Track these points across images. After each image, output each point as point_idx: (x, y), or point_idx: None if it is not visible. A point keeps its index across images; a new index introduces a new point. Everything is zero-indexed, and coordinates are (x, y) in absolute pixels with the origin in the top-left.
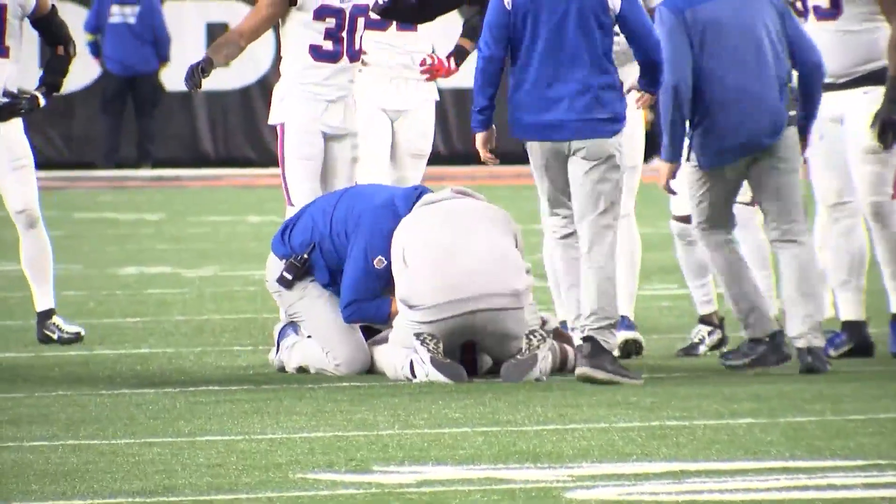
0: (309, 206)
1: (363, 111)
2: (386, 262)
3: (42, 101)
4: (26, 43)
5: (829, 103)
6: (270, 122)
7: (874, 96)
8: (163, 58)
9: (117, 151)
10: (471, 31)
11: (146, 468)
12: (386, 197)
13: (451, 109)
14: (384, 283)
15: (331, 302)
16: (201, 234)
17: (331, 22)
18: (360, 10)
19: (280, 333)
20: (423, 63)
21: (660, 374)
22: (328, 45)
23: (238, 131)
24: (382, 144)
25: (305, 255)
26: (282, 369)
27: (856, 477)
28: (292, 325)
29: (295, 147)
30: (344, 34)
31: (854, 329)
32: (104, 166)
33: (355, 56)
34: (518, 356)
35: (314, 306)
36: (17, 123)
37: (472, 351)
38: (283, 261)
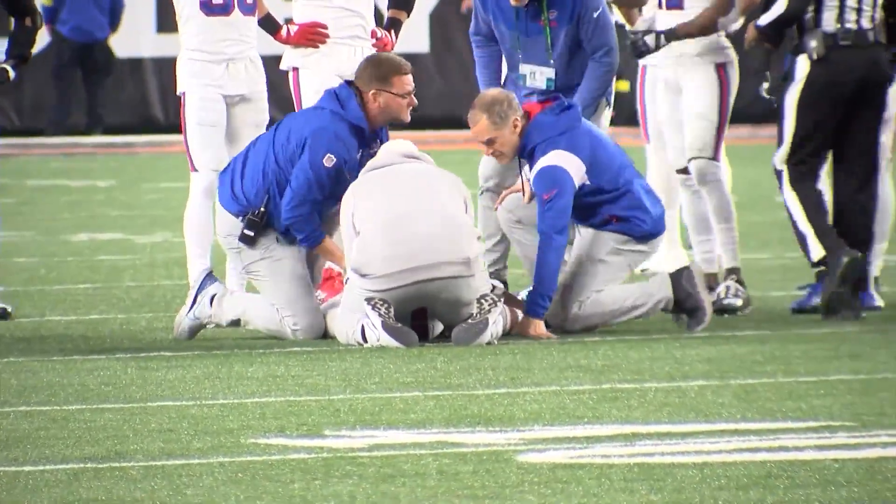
0: (248, 153)
1: (321, 78)
2: (335, 160)
3: (12, 74)
4: None
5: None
6: (178, 91)
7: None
8: (114, 25)
9: (67, 118)
10: (401, 1)
11: (98, 434)
12: (315, 105)
13: None
14: (334, 182)
15: (294, 264)
16: (152, 201)
17: None
18: None
19: (200, 287)
20: (373, 35)
21: (610, 338)
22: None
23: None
24: None
25: (262, 209)
26: (196, 328)
27: (807, 438)
28: (209, 278)
29: (195, 113)
30: None
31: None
32: (54, 133)
33: (248, 10)
34: (469, 320)
35: (279, 268)
36: None
37: (424, 316)
38: (240, 217)
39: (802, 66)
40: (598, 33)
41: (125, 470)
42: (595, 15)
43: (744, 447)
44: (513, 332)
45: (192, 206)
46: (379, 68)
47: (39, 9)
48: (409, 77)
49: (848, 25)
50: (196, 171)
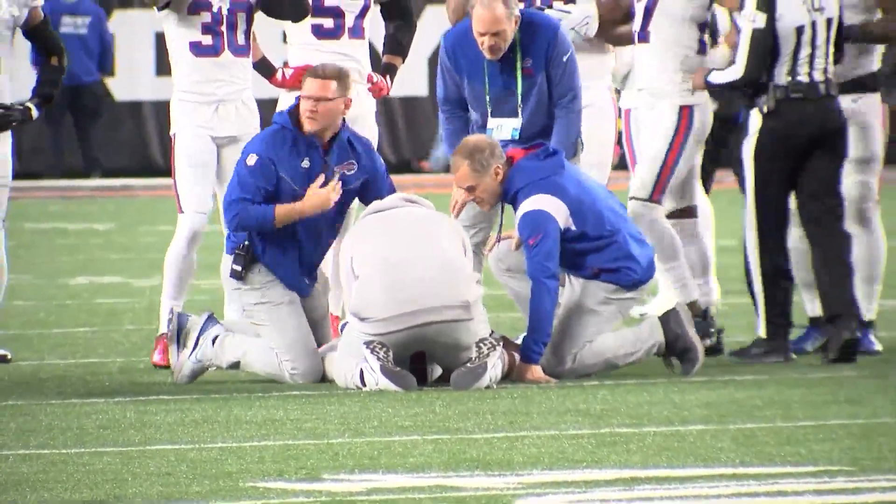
0: None
1: None
2: (257, 158)
3: (35, 113)
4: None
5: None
6: (170, 132)
7: (862, 105)
8: (105, 68)
9: (62, 161)
10: (397, 47)
11: (96, 477)
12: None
13: (399, 118)
14: (265, 182)
15: (293, 308)
16: (151, 244)
17: (206, 16)
18: (239, 6)
19: (201, 329)
20: (369, 79)
21: (609, 382)
22: (207, 40)
23: None
24: None
25: (246, 242)
26: (198, 371)
27: (806, 483)
28: (211, 319)
29: (184, 155)
30: (223, 28)
31: (822, 324)
32: (51, 176)
33: (239, 51)
34: (468, 364)
35: (276, 313)
36: (6, 138)
37: (422, 359)
38: (231, 255)
39: (755, 119)
40: (566, 78)
41: None
42: (564, 59)
43: (742, 492)
44: (511, 378)
45: (174, 247)
46: (302, 76)
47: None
48: (320, 82)
49: (799, 78)
50: (182, 212)
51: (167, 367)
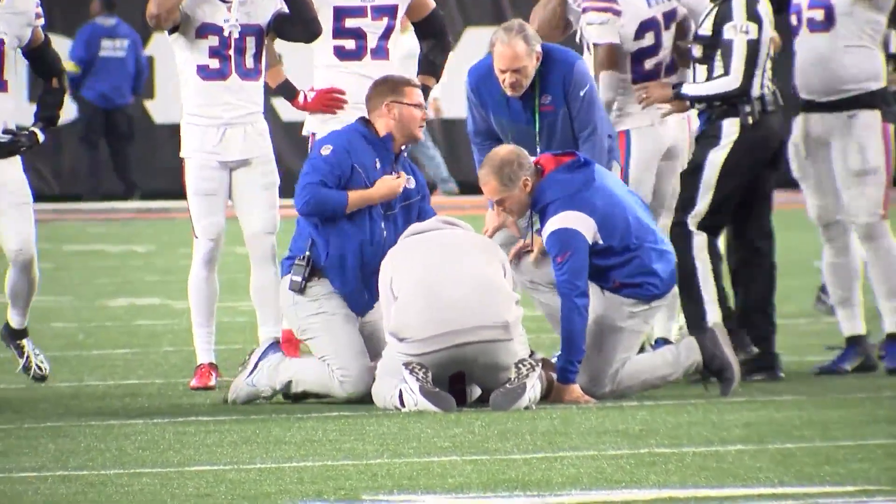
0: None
1: None
2: (332, 148)
3: (41, 137)
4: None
5: (815, 124)
6: (181, 155)
7: (860, 120)
8: (138, 91)
9: (99, 184)
10: (430, 67)
11: (135, 498)
12: None
13: (441, 140)
14: (337, 171)
15: (347, 319)
16: (187, 266)
17: (214, 40)
18: (249, 30)
19: (262, 355)
20: None
21: (648, 402)
22: (214, 64)
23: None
24: None
25: (307, 253)
26: (253, 396)
27: (845, 503)
28: (273, 347)
29: (193, 182)
30: (231, 52)
31: (859, 343)
32: (90, 199)
33: (247, 75)
34: (507, 385)
35: (331, 322)
36: (16, 161)
37: (462, 380)
38: (290, 272)
39: (731, 129)
40: (584, 112)
41: None
42: (581, 93)
43: None
44: (550, 399)
45: (193, 275)
46: (387, 83)
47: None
48: (419, 91)
49: (766, 90)
50: (197, 237)
51: (206, 388)
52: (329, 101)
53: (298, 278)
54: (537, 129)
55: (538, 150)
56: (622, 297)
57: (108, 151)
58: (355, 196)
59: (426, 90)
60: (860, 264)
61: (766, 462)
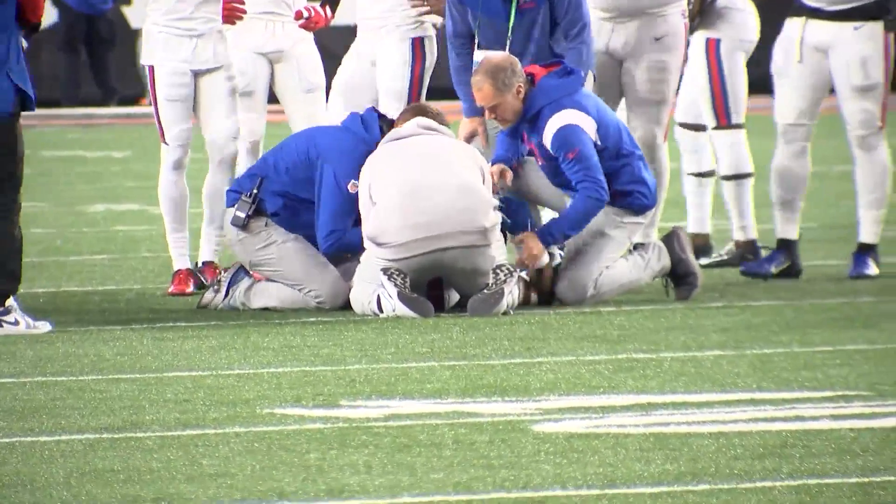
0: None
1: (240, 55)
2: (359, 188)
3: (24, 44)
4: None
5: (816, 31)
6: (142, 62)
7: (864, 32)
8: None
9: (78, 90)
10: None
11: (114, 404)
12: (340, 125)
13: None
14: (358, 207)
15: (299, 241)
16: None
17: None
18: None
19: (231, 279)
20: (299, 16)
21: (626, 307)
22: None
23: None
24: (263, 87)
25: (255, 190)
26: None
27: (823, 408)
28: (243, 270)
29: (165, 88)
30: None
31: (789, 247)
32: (69, 104)
33: None
34: (485, 290)
35: (285, 248)
36: None
37: (440, 286)
38: (234, 205)
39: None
40: (573, 9)
41: (141, 440)
42: None
43: (759, 417)
44: (515, 240)
45: (163, 180)
46: (419, 112)
47: None
48: (411, 126)
49: None
50: (166, 143)
51: (183, 294)
52: (228, 12)
53: (242, 214)
54: (510, 25)
55: (508, 45)
56: (611, 206)
57: (87, 57)
58: None
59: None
60: (809, 171)
61: (744, 367)
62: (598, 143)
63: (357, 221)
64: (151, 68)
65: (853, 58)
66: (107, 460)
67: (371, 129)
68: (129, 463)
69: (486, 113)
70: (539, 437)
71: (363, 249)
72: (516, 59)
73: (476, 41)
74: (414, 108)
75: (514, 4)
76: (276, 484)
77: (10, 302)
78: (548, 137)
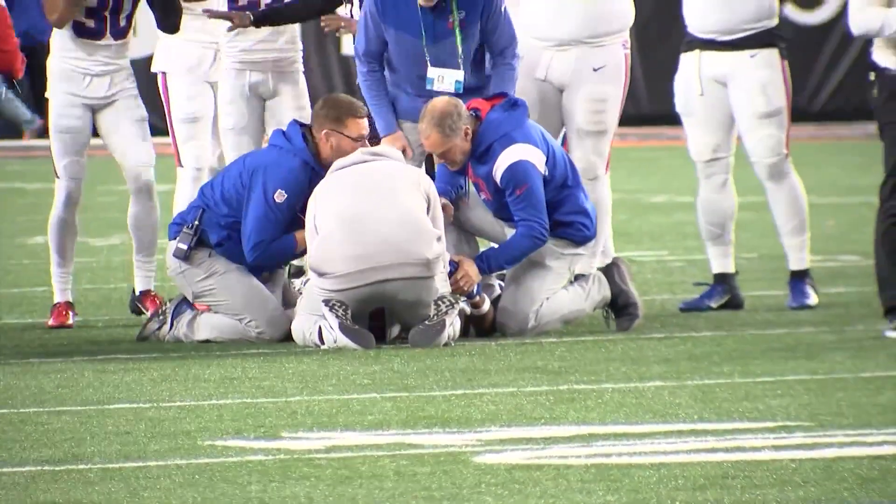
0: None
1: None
2: (286, 196)
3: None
4: None
5: (712, 62)
6: (47, 95)
7: (761, 60)
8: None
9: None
10: None
11: (55, 437)
12: (269, 144)
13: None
14: (287, 218)
15: (241, 272)
16: (109, 203)
17: (93, 1)
18: None
19: (174, 310)
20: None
21: (567, 338)
22: (90, 23)
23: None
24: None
25: (196, 222)
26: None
27: (764, 439)
28: (186, 302)
29: (55, 120)
30: (107, 13)
31: (727, 281)
32: (7, 136)
33: (120, 34)
34: (427, 322)
35: (227, 279)
36: None
37: (381, 317)
38: (176, 238)
39: None
40: (507, 27)
41: (82, 472)
42: (503, 8)
43: (701, 448)
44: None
45: (53, 215)
46: (333, 109)
47: None
48: (365, 121)
49: None
50: (58, 177)
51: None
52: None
53: (184, 246)
54: (459, 42)
55: (459, 62)
56: (554, 237)
57: (29, 89)
58: (301, 236)
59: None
60: (735, 203)
61: (685, 398)
62: (546, 174)
63: (287, 230)
64: (47, 102)
65: (753, 85)
66: (48, 493)
67: (293, 139)
68: (71, 495)
69: (435, 158)
70: (480, 468)
71: (292, 257)
72: (460, 101)
73: (426, 60)
74: (323, 107)
75: (457, 24)
76: None
77: None
78: (499, 172)
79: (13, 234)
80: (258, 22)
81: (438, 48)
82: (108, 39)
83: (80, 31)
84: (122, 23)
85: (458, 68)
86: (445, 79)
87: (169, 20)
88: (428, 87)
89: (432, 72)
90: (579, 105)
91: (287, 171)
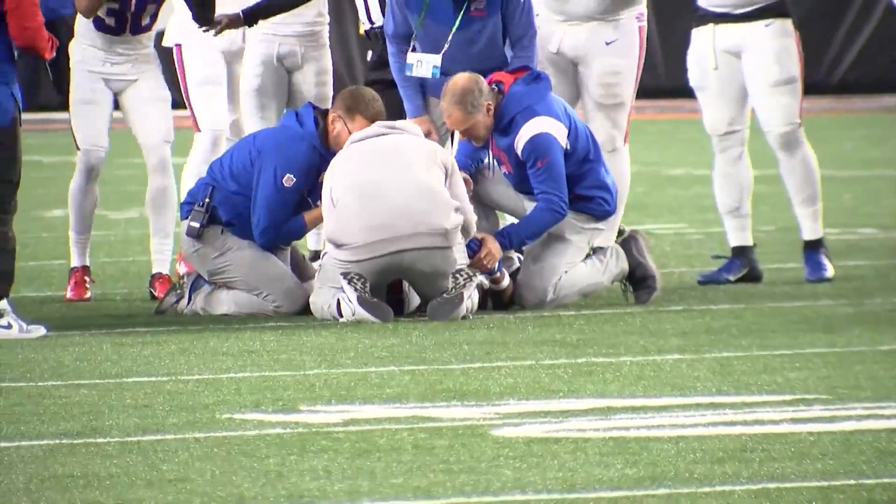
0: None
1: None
2: (295, 180)
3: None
4: None
5: (727, 35)
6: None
7: (775, 29)
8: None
9: (37, 95)
10: None
11: (73, 410)
12: (280, 125)
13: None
14: (296, 201)
15: (254, 247)
16: (126, 177)
17: (114, 4)
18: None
19: (192, 285)
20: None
21: (586, 311)
22: (111, 22)
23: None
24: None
25: (207, 199)
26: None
27: (783, 412)
28: (201, 278)
29: (78, 92)
30: (129, 14)
31: (745, 254)
32: (27, 109)
33: (140, 30)
34: (445, 294)
35: (241, 255)
36: None
37: (399, 290)
38: (188, 217)
39: None
40: (526, 16)
41: (100, 446)
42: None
43: (719, 421)
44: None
45: (74, 184)
46: (350, 99)
47: None
48: (371, 124)
49: None
50: (79, 149)
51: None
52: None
53: (196, 224)
54: (453, 30)
55: (444, 48)
56: (575, 212)
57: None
58: (310, 217)
59: None
60: (751, 176)
61: (704, 371)
62: (568, 147)
63: (295, 211)
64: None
65: (768, 54)
66: (66, 466)
67: (305, 123)
68: (89, 469)
69: (458, 135)
70: (499, 441)
71: (301, 236)
72: (480, 77)
73: (411, 44)
74: (345, 94)
75: (461, 12)
76: (235, 489)
77: (4, 305)
78: (520, 144)
79: (31, 208)
80: (249, 19)
81: (432, 34)
82: (128, 35)
83: (101, 27)
84: (146, 20)
85: (437, 54)
86: (423, 64)
87: (205, 14)
88: (407, 72)
89: (411, 57)
90: (593, 79)
91: (295, 155)
